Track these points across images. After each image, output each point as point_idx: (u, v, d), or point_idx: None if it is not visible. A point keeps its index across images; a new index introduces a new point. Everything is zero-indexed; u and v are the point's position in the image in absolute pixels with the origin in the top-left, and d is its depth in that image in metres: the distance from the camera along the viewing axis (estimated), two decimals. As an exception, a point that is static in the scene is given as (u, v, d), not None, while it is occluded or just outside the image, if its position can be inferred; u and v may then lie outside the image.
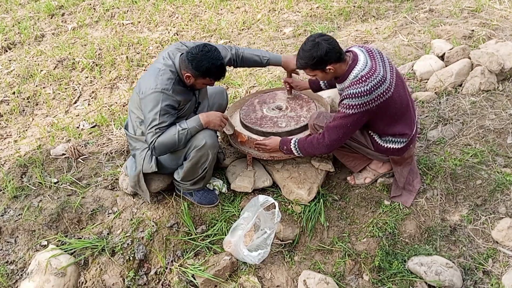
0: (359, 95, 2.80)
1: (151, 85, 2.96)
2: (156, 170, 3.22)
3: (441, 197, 3.36)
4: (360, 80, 2.82)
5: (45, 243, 3.25)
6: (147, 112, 2.97)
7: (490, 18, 5.35)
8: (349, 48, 3.03)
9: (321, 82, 3.52)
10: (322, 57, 2.81)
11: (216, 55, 2.96)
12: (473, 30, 5.06)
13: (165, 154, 3.14)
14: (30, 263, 3.10)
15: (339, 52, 2.86)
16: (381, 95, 2.84)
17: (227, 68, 3.24)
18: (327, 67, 2.87)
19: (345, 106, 2.86)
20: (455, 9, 5.73)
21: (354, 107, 2.83)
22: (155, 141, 2.97)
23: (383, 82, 2.84)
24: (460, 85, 4.24)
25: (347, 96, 2.84)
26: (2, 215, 3.45)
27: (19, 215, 3.43)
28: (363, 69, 2.86)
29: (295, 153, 3.19)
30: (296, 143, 3.16)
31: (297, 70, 3.55)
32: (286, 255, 3.24)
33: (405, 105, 3.05)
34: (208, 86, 3.56)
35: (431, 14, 5.78)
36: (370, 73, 2.83)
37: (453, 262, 3.01)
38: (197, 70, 2.94)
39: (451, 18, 5.59)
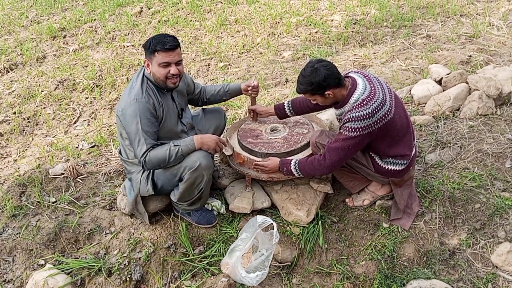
0: (361, 118, 2.83)
1: (125, 100, 3.01)
2: (153, 193, 3.22)
3: (439, 221, 3.35)
4: (362, 104, 2.85)
5: (43, 262, 3.23)
6: (129, 126, 2.98)
7: (488, 44, 5.43)
8: (346, 73, 3.07)
9: (286, 109, 3.55)
10: (321, 83, 2.85)
11: (163, 34, 3.03)
12: (470, 56, 5.13)
13: (156, 169, 3.13)
14: (27, 282, 3.07)
15: (337, 77, 2.90)
16: (383, 117, 2.87)
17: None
18: (326, 92, 2.91)
19: (347, 129, 2.89)
20: (453, 35, 5.82)
21: (357, 130, 2.86)
22: (146, 154, 2.96)
23: (384, 105, 2.88)
24: (458, 109, 4.27)
25: (350, 119, 2.86)
26: (0, 234, 3.43)
27: (17, 234, 3.41)
28: (363, 93, 2.89)
29: (295, 174, 3.19)
30: (296, 164, 3.17)
31: (248, 90, 3.58)
32: (284, 277, 3.22)
33: (405, 127, 3.09)
34: (205, 110, 3.60)
35: (428, 40, 5.86)
36: (370, 97, 2.87)
37: (452, 286, 2.98)
38: (146, 49, 3.01)
39: (448, 43, 5.67)
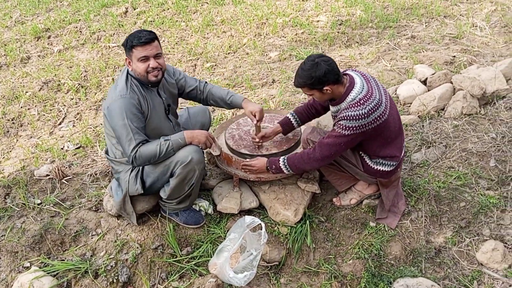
0: (357, 117, 2.84)
1: (111, 96, 3.01)
2: (142, 192, 3.20)
3: (425, 219, 3.38)
4: (358, 103, 2.86)
5: (28, 264, 3.18)
6: (115, 123, 2.96)
7: (471, 45, 5.50)
8: (344, 71, 3.07)
9: (293, 122, 3.46)
10: (321, 78, 2.85)
11: (138, 30, 3.03)
12: (454, 56, 5.19)
13: (146, 165, 3.11)
14: (12, 285, 3.03)
15: (337, 74, 2.90)
16: (378, 118, 2.89)
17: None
18: (325, 88, 2.90)
19: (341, 126, 2.89)
20: (437, 36, 5.88)
21: (351, 128, 2.87)
22: (137, 150, 2.95)
23: (380, 106, 2.89)
24: (443, 109, 4.32)
25: (345, 117, 2.87)
26: (-16, 237, 3.39)
27: (1, 236, 3.36)
28: (360, 92, 2.90)
29: (285, 171, 3.18)
30: (285, 160, 3.16)
31: (253, 116, 3.36)
32: (272, 277, 3.22)
33: (398, 128, 3.11)
34: (190, 109, 3.59)
35: (413, 41, 5.92)
36: (367, 97, 2.88)
37: (438, 284, 3.01)
38: (124, 46, 3.03)
39: (433, 44, 5.73)
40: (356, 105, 2.86)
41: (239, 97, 3.45)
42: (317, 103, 3.36)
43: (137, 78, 3.06)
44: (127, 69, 3.09)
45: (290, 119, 3.48)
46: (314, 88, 2.92)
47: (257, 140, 3.46)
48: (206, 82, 3.50)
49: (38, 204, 3.63)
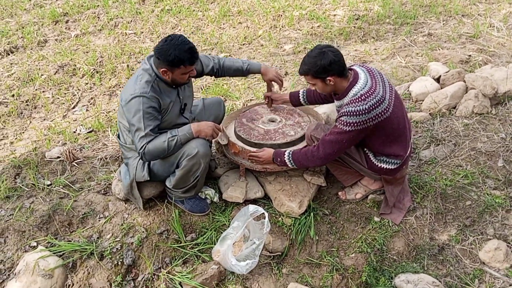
0: (357, 113, 2.84)
1: (130, 91, 2.99)
2: (149, 179, 3.25)
3: (430, 216, 3.38)
4: (360, 99, 2.86)
5: (35, 244, 3.24)
6: (131, 118, 2.98)
7: (488, 45, 5.43)
8: (350, 66, 3.07)
9: (301, 98, 3.60)
10: (325, 67, 2.85)
11: (182, 39, 2.91)
12: (470, 55, 5.14)
13: (155, 160, 3.16)
14: (18, 264, 3.09)
15: (342, 66, 2.91)
16: (379, 115, 2.88)
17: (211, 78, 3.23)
18: (328, 78, 2.91)
19: (342, 122, 2.89)
20: (454, 34, 5.82)
21: (351, 124, 2.87)
22: (145, 147, 2.97)
23: (382, 102, 2.88)
24: (454, 107, 4.29)
25: (346, 113, 2.87)
26: (-7, 215, 3.46)
27: (10, 215, 3.43)
28: (363, 88, 2.90)
29: (289, 165, 3.21)
30: (290, 155, 3.19)
31: (274, 82, 3.64)
32: (274, 267, 3.24)
33: (402, 127, 3.09)
34: (205, 100, 3.62)
35: (429, 38, 5.87)
36: (370, 92, 2.87)
37: (439, 281, 3.01)
38: (168, 61, 2.90)
39: (449, 43, 5.68)
40: (357, 100, 2.86)
41: (256, 64, 3.59)
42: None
43: (164, 80, 3.06)
44: (152, 67, 3.04)
45: (299, 94, 3.61)
46: (318, 77, 2.93)
47: (267, 96, 3.73)
48: (218, 58, 3.53)
49: (48, 185, 3.70)
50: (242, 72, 3.59)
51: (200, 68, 3.45)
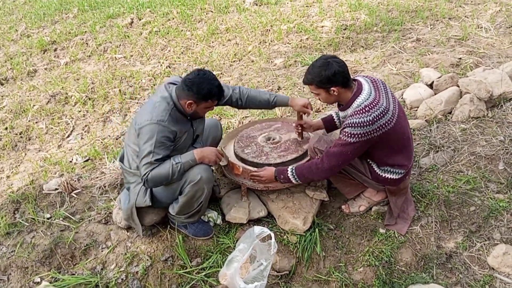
0: (361, 124, 2.83)
1: (147, 117, 2.97)
2: (150, 204, 3.21)
3: (435, 224, 3.36)
4: (363, 110, 2.85)
5: (38, 279, 3.20)
6: (142, 144, 2.97)
7: (477, 46, 5.47)
8: (355, 77, 3.07)
9: (335, 119, 3.49)
10: (330, 77, 2.86)
11: (212, 76, 3.01)
12: (460, 58, 5.17)
13: (158, 187, 3.13)
14: (23, 301, 3.06)
15: (346, 77, 2.91)
16: (383, 126, 2.88)
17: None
18: (332, 88, 2.91)
19: (346, 134, 2.89)
20: (442, 38, 5.86)
21: (356, 136, 2.86)
22: (149, 174, 2.96)
23: (386, 113, 2.88)
24: (450, 113, 4.30)
25: (350, 124, 2.87)
26: (-6, 252, 3.41)
27: (12, 251, 3.39)
28: (367, 99, 2.90)
29: (293, 181, 3.18)
30: (293, 170, 3.16)
31: (306, 109, 3.45)
32: (283, 286, 3.21)
33: (407, 137, 3.10)
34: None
35: (418, 44, 5.90)
36: (373, 104, 2.87)
37: (450, 290, 3.00)
38: (199, 94, 2.95)
39: (438, 47, 5.71)
40: (361, 112, 2.86)
41: (284, 97, 3.52)
42: None
43: (182, 110, 3.07)
44: (172, 96, 3.05)
45: (333, 117, 3.51)
46: (321, 87, 2.93)
47: (298, 126, 3.55)
48: (239, 87, 3.49)
49: (48, 219, 3.65)
50: (268, 104, 3.51)
51: None
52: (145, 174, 2.97)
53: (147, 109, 3.04)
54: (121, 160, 3.37)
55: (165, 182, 3.03)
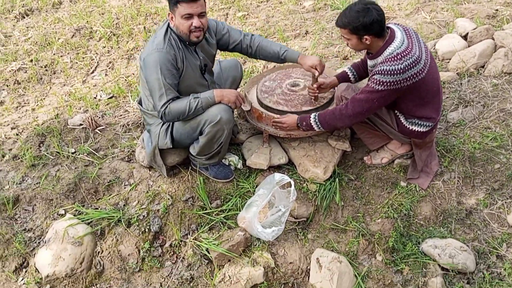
0: (392, 72, 2.75)
1: (148, 48, 2.98)
2: (171, 146, 3.23)
3: (458, 180, 3.33)
4: (395, 58, 2.76)
5: (63, 212, 3.29)
6: (149, 76, 2.96)
7: (516, -3, 5.20)
8: (386, 24, 2.93)
9: (350, 76, 3.39)
10: (366, 25, 2.75)
11: None
12: (497, 10, 4.94)
13: (176, 121, 3.13)
14: (47, 232, 3.16)
15: (382, 27, 2.81)
16: (414, 76, 2.79)
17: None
18: (365, 36, 2.81)
19: (375, 81, 2.81)
20: (480, -13, 5.58)
21: (385, 83, 2.79)
22: (167, 106, 2.96)
23: (418, 63, 2.79)
24: (483, 67, 4.15)
25: (379, 72, 2.79)
26: (20, 183, 3.49)
27: (36, 183, 3.47)
28: (400, 47, 2.80)
29: (315, 128, 3.13)
30: (316, 117, 3.10)
31: (314, 69, 3.25)
32: (300, 233, 3.25)
33: (436, 89, 3.00)
34: (222, 62, 3.53)
35: (455, -9, 5.63)
36: (406, 52, 2.77)
37: (467, 245, 3.00)
38: (170, 2, 2.92)
39: (475, -4, 5.45)
40: (393, 59, 2.76)
41: (295, 53, 3.34)
42: None
43: (178, 34, 3.01)
44: (168, 22, 3.04)
45: (347, 73, 3.41)
46: (355, 33, 2.82)
47: (313, 89, 3.34)
48: (252, 35, 3.38)
49: (72, 153, 3.71)
50: (277, 58, 3.36)
51: (227, 38, 3.34)
52: (162, 106, 2.96)
53: (149, 43, 3.04)
54: (140, 102, 3.38)
55: (182, 116, 3.02)
